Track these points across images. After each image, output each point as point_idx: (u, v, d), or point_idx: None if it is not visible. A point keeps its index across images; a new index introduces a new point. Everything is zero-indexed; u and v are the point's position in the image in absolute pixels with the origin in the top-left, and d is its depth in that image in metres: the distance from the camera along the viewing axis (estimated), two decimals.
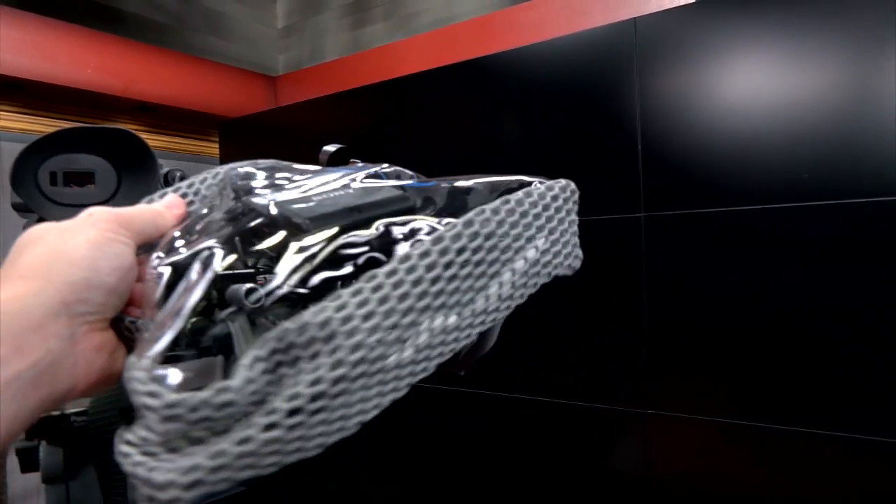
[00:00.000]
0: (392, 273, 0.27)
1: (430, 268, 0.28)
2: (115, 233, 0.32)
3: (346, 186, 0.36)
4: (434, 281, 0.28)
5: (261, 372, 0.23)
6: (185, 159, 3.22)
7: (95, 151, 0.53)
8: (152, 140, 3.05)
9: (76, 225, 0.31)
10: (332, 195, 0.33)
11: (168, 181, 0.56)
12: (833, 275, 1.31)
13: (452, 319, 0.29)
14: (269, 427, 0.23)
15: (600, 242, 1.60)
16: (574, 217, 0.39)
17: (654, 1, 2.05)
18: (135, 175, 0.43)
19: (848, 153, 1.30)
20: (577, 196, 0.40)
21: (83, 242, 0.30)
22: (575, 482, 1.65)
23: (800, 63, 1.35)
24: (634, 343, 1.55)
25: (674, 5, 1.56)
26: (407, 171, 0.42)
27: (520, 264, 0.33)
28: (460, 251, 0.29)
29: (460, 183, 0.37)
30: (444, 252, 0.28)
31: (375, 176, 0.39)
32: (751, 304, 1.40)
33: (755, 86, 1.41)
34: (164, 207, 0.37)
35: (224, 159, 2.51)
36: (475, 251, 0.30)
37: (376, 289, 0.26)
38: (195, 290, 0.27)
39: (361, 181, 0.37)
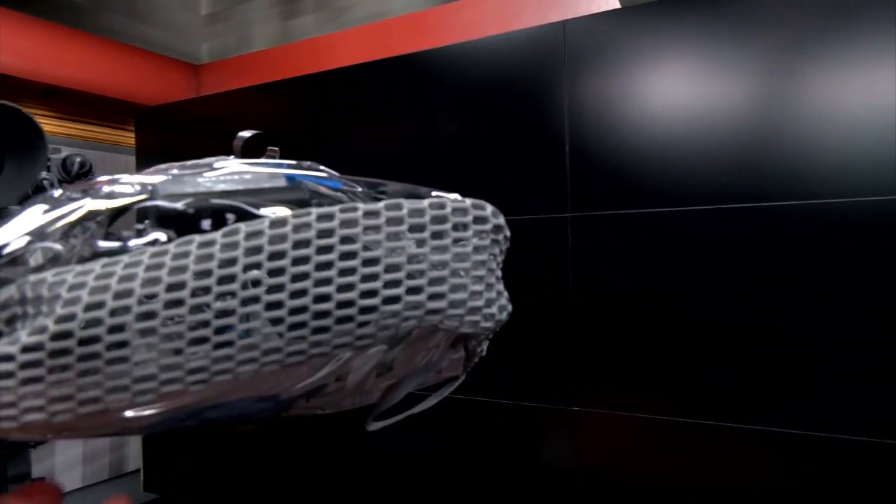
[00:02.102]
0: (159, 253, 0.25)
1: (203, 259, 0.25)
2: None
3: (238, 173, 0.32)
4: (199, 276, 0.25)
5: None
6: (99, 148, 3.05)
7: None
8: (62, 127, 2.87)
9: None
10: (211, 178, 0.30)
11: (67, 167, 0.51)
12: (749, 274, 1.37)
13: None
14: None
15: (528, 242, 1.61)
16: (486, 257, 0.29)
17: (584, 5, 2.10)
18: (19, 156, 0.38)
19: (763, 158, 1.36)
20: (491, 228, 0.30)
21: None
22: (505, 479, 1.66)
23: (719, 70, 1.41)
24: (561, 342, 1.57)
25: (602, 10, 1.59)
26: (329, 170, 0.37)
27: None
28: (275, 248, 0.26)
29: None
30: (232, 247, 0.25)
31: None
32: (673, 303, 1.45)
33: (677, 91, 1.45)
34: None
35: (140, 149, 2.38)
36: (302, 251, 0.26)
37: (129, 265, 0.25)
38: None
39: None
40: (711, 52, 1.41)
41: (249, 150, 0.41)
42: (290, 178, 0.32)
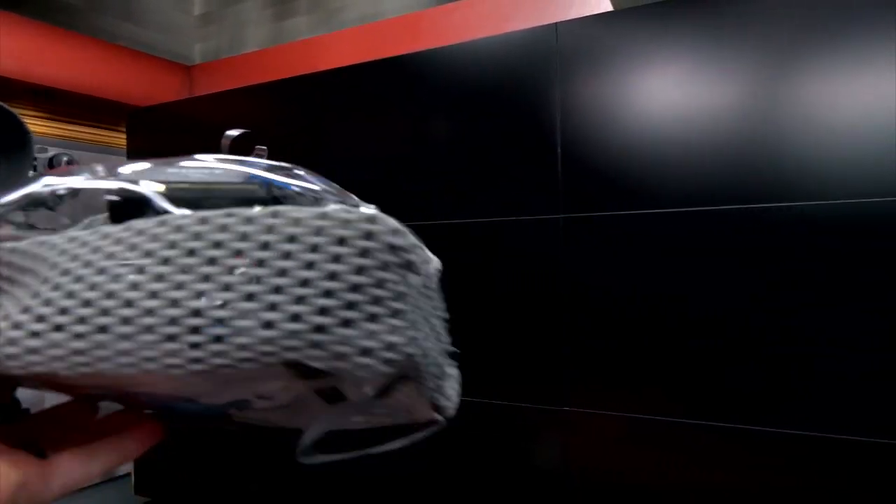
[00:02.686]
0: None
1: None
2: None
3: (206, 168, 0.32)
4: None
5: None
6: (91, 149, 3.04)
7: None
8: (54, 128, 2.85)
9: None
10: (181, 170, 0.31)
11: (53, 166, 0.51)
12: (742, 275, 1.38)
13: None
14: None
15: (520, 243, 1.62)
16: (364, 280, 0.25)
17: (575, 8, 2.11)
18: (6, 156, 0.38)
19: (754, 159, 1.37)
20: (382, 247, 0.25)
21: None
22: (497, 479, 1.66)
23: (710, 72, 1.41)
24: (553, 342, 1.57)
25: (594, 13, 1.60)
26: (306, 173, 0.35)
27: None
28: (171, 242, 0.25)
29: (320, 188, 0.32)
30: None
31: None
32: (664, 304, 1.45)
33: (669, 93, 1.46)
34: None
35: (131, 150, 2.37)
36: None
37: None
38: None
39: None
40: (703, 54, 1.42)
41: (239, 149, 0.41)
42: (251, 176, 0.31)
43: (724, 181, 1.39)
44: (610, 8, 1.66)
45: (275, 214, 0.26)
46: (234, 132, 0.42)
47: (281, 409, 0.33)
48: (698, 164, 1.42)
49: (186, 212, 0.27)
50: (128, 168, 0.30)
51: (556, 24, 1.59)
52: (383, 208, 0.33)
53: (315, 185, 0.33)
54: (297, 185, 0.32)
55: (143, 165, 0.31)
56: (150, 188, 0.28)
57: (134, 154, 2.36)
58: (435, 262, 0.34)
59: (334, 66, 1.99)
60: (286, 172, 0.33)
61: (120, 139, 3.12)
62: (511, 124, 1.64)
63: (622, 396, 1.50)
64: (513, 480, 1.64)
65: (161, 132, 2.32)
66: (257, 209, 0.26)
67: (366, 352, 0.25)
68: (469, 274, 1.69)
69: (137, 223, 0.26)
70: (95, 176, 0.30)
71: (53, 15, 2.72)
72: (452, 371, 0.35)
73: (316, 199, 0.32)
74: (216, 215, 0.26)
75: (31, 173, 0.38)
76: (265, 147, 0.41)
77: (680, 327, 1.43)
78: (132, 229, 0.26)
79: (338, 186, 0.36)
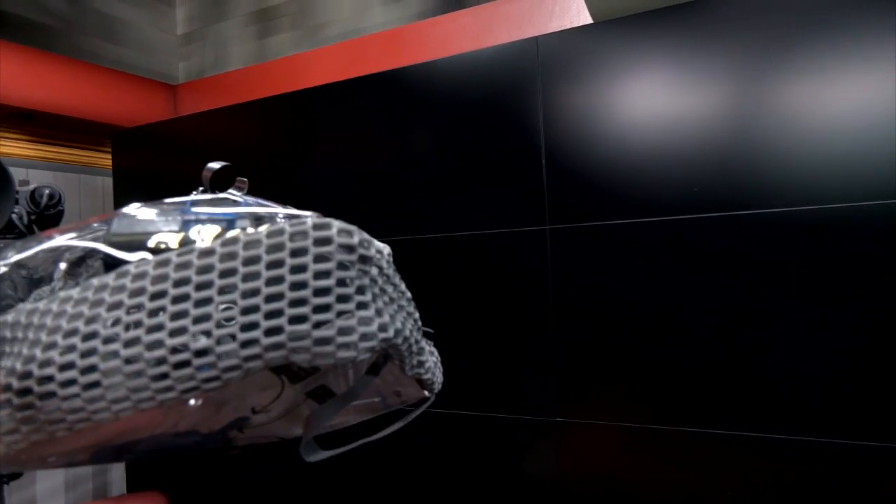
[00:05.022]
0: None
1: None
2: None
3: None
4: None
5: None
6: (76, 171, 3.02)
7: None
8: (37, 151, 2.84)
9: None
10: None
11: (35, 199, 0.51)
12: (723, 281, 1.39)
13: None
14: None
15: (508, 255, 1.62)
16: (331, 283, 0.27)
17: (556, 21, 2.13)
18: None
19: (735, 167, 1.39)
20: (336, 248, 0.27)
21: None
22: (491, 491, 1.66)
23: (691, 81, 1.43)
24: (542, 354, 1.58)
25: (574, 25, 1.62)
26: (249, 198, 0.36)
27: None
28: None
29: (264, 210, 0.33)
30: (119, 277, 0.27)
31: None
32: (653, 312, 1.46)
33: (651, 102, 1.48)
34: None
35: (117, 171, 2.36)
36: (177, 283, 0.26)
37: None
38: None
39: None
40: (683, 63, 1.44)
41: (220, 181, 0.42)
42: (184, 221, 0.31)
43: (708, 189, 1.40)
44: (589, 20, 1.68)
45: (231, 241, 0.27)
46: (214, 165, 0.42)
47: (278, 419, 0.34)
48: (681, 172, 1.43)
49: (146, 255, 0.27)
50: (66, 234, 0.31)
51: (536, 37, 1.60)
52: (369, 223, 0.34)
53: (254, 207, 0.33)
54: (233, 212, 0.32)
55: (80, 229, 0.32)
56: (95, 241, 0.29)
57: (120, 174, 2.35)
58: (386, 250, 0.36)
59: (318, 83, 2.00)
60: (220, 203, 0.34)
61: (105, 160, 3.10)
62: (495, 137, 1.65)
63: (613, 406, 1.51)
64: (506, 492, 1.63)
65: (146, 152, 2.31)
66: (210, 241, 0.27)
67: (344, 346, 0.27)
68: (458, 287, 1.69)
69: (93, 281, 0.27)
70: (39, 241, 0.31)
71: (32, 37, 2.71)
72: (430, 348, 0.37)
73: (258, 219, 0.33)
74: (175, 254, 0.27)
75: (14, 208, 0.38)
76: (245, 179, 0.42)
77: (669, 335, 1.44)
78: (91, 288, 0.26)
79: (274, 203, 0.37)
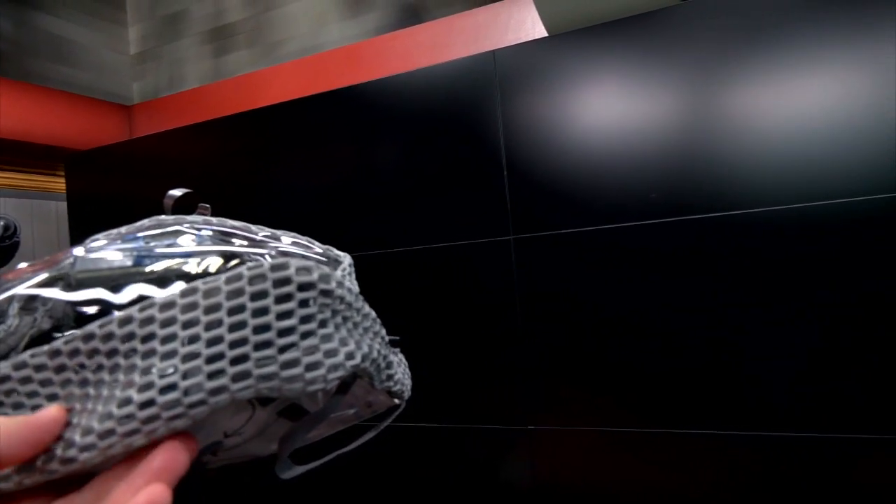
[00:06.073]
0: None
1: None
2: None
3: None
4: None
5: None
6: (29, 196, 2.94)
7: None
8: None
9: None
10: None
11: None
12: (686, 284, 1.43)
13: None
14: None
15: (473, 266, 1.64)
16: (294, 322, 0.28)
17: (511, 34, 2.16)
18: None
19: (691, 172, 1.43)
20: (297, 287, 0.28)
21: None
22: (465, 503, 1.66)
23: (645, 90, 1.47)
24: (511, 363, 1.59)
25: (529, 38, 1.65)
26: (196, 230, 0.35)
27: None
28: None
29: (220, 247, 0.33)
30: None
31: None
32: (619, 317, 1.49)
33: (607, 112, 1.51)
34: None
35: (71, 195, 2.31)
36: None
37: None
38: None
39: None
40: (638, 73, 1.48)
41: (181, 207, 0.42)
42: (136, 258, 0.31)
43: (667, 194, 1.44)
44: (544, 33, 1.72)
45: (190, 292, 0.27)
46: (176, 192, 0.42)
47: (252, 440, 0.34)
48: (640, 178, 1.47)
49: (107, 299, 0.28)
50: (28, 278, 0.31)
51: (493, 50, 1.63)
52: (332, 239, 0.34)
53: (212, 236, 0.33)
54: (190, 250, 0.32)
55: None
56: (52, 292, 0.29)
57: (74, 199, 2.30)
58: (346, 260, 0.36)
59: (277, 100, 1.99)
60: (171, 237, 0.33)
61: (57, 184, 3.03)
62: (457, 150, 1.67)
63: (585, 411, 1.52)
64: (481, 503, 1.63)
65: (101, 175, 2.27)
66: (168, 293, 0.28)
67: (312, 381, 0.28)
68: (424, 300, 1.70)
69: (42, 349, 0.27)
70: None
71: None
72: (396, 358, 0.38)
73: (223, 255, 0.33)
74: (136, 309, 0.27)
75: None
76: (208, 205, 0.42)
77: (636, 339, 1.47)
78: (45, 353, 0.27)
79: (237, 224, 0.36)
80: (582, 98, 1.53)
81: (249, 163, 1.97)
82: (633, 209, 1.47)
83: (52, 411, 0.27)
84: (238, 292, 0.27)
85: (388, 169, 1.78)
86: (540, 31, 2.08)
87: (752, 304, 1.36)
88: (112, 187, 2.22)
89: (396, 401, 0.39)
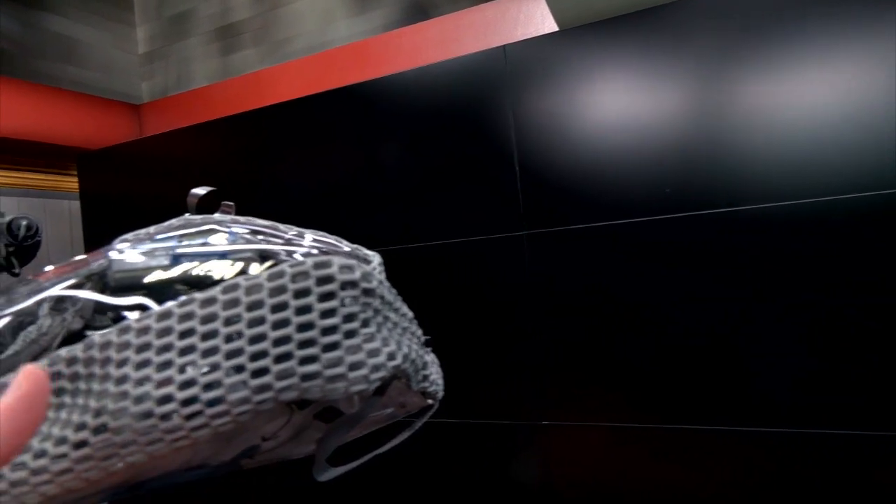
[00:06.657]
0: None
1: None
2: None
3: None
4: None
5: None
6: (40, 196, 2.96)
7: None
8: (1, 177, 2.77)
9: None
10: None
11: (13, 231, 0.50)
12: (701, 279, 1.42)
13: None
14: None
15: (486, 262, 1.63)
16: (337, 321, 0.27)
17: (521, 28, 2.15)
18: None
19: (702, 168, 1.42)
20: (340, 286, 0.27)
21: None
22: (479, 498, 1.66)
23: (657, 83, 1.46)
24: (525, 358, 1.59)
25: (539, 32, 1.64)
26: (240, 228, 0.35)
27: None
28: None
29: (258, 245, 0.32)
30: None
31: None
32: (633, 313, 1.48)
33: (619, 106, 1.50)
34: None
35: (84, 194, 2.32)
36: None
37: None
38: None
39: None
40: (649, 66, 1.47)
41: (205, 206, 0.41)
42: (172, 257, 0.31)
43: (680, 189, 1.43)
44: (554, 27, 1.71)
45: (231, 289, 0.27)
46: (199, 190, 0.41)
47: (287, 443, 0.34)
48: (653, 173, 1.46)
49: (143, 301, 0.28)
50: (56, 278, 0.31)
51: (503, 45, 1.62)
52: (346, 237, 0.34)
53: (245, 235, 0.33)
54: (224, 250, 0.31)
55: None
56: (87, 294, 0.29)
57: (87, 198, 2.31)
58: (376, 259, 0.36)
59: (285, 98, 1.99)
60: (209, 233, 0.33)
61: (69, 183, 3.04)
62: (469, 146, 1.66)
63: (599, 407, 1.52)
64: (495, 499, 1.63)
65: (113, 174, 2.27)
66: (209, 291, 0.27)
67: (355, 380, 0.27)
68: (437, 296, 1.69)
69: (76, 346, 0.27)
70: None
71: None
72: (430, 357, 0.38)
73: (263, 257, 0.32)
74: (176, 305, 0.26)
75: None
76: (232, 203, 0.41)
77: (650, 334, 1.46)
78: (94, 346, 0.26)
79: (263, 222, 0.36)
80: (594, 92, 1.52)
81: (259, 161, 1.98)
82: (647, 204, 1.46)
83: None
84: (280, 289, 0.26)
85: (399, 166, 1.78)
86: (550, 26, 2.07)
87: (767, 300, 1.35)
88: (124, 185, 2.22)
89: (430, 401, 0.38)
